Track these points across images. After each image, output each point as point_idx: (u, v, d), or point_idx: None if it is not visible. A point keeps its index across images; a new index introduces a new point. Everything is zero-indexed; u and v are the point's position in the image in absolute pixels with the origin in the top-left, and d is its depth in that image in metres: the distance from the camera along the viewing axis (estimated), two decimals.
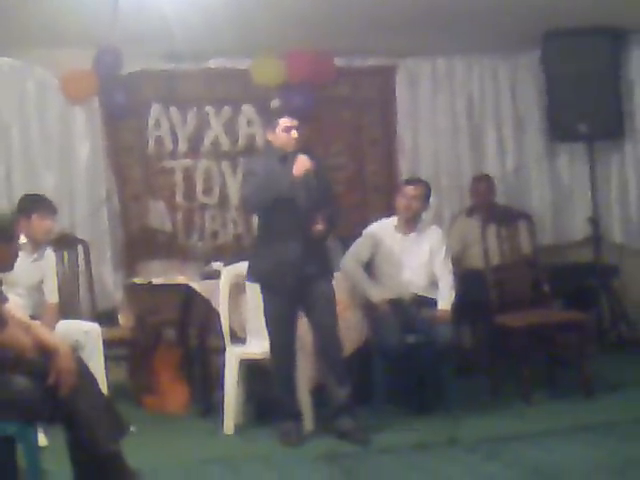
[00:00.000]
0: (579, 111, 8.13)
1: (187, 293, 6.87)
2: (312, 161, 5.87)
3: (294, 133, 5.86)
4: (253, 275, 6.04)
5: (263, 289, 5.97)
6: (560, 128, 8.36)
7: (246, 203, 6.36)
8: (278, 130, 5.90)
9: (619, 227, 8.53)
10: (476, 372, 7.10)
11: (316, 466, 5.43)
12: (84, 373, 4.38)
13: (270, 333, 5.95)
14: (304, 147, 5.92)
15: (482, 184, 8.09)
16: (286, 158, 5.84)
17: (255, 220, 6.77)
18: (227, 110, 8.24)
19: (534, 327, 6.63)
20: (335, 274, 6.20)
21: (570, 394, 6.64)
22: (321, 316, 5.92)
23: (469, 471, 5.19)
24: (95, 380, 4.46)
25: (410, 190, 6.61)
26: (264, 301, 5.95)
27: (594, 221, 8.35)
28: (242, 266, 6.17)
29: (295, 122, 5.90)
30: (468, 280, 7.01)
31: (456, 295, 6.54)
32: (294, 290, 5.83)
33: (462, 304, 6.59)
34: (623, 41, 8.25)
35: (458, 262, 7.33)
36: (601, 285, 8.18)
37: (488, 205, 7.91)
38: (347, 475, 5.24)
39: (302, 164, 5.78)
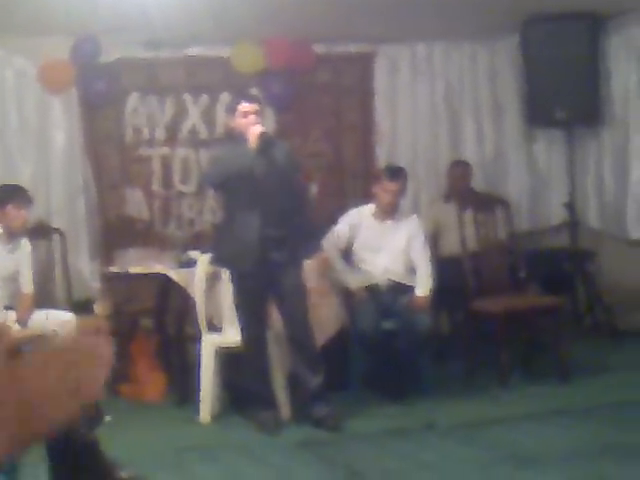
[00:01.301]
0: (557, 97, 8.13)
1: (164, 281, 6.87)
2: (281, 144, 5.87)
3: (252, 117, 5.84)
4: (216, 259, 6.06)
5: (231, 273, 5.97)
6: (538, 114, 8.36)
7: (203, 179, 6.34)
8: (237, 115, 5.89)
9: (595, 213, 8.53)
10: (453, 357, 7.12)
11: (293, 453, 5.45)
12: None
13: (240, 319, 5.95)
14: (269, 135, 5.89)
15: (459, 169, 8.09)
16: (244, 143, 5.80)
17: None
18: (205, 98, 8.21)
19: (510, 312, 6.65)
20: (311, 260, 6.20)
21: (546, 378, 6.68)
22: (291, 304, 5.92)
23: (446, 456, 5.22)
24: None
25: (392, 186, 6.61)
26: (233, 287, 5.95)
27: (571, 207, 8.36)
28: None
29: (254, 107, 5.88)
30: (445, 266, 7.02)
31: (433, 282, 6.55)
32: (260, 275, 5.81)
33: (439, 290, 6.61)
34: (602, 27, 8.23)
35: (432, 246, 7.35)
36: (577, 270, 8.20)
37: (464, 191, 7.90)
38: (324, 462, 5.26)
39: (254, 132, 5.75)
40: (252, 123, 5.80)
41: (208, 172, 5.96)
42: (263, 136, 5.74)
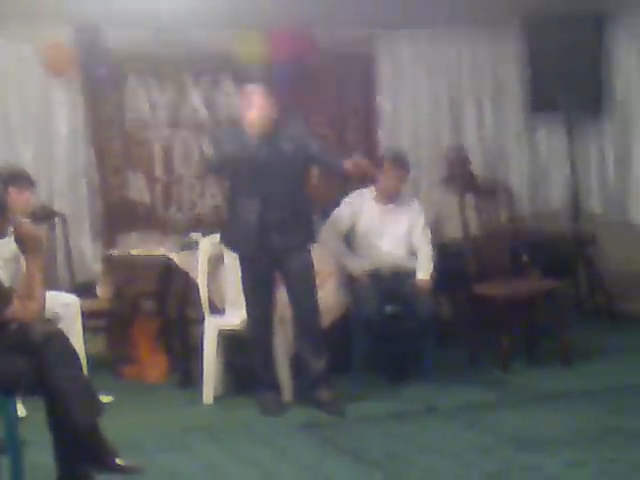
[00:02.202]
0: (559, 83, 8.13)
1: (166, 264, 6.87)
2: (294, 127, 5.88)
3: (254, 99, 5.80)
4: (225, 241, 6.08)
5: (239, 257, 5.98)
6: (540, 100, 8.36)
7: (207, 168, 6.32)
8: (242, 99, 5.88)
9: (596, 197, 8.55)
10: (455, 342, 7.13)
11: (295, 435, 5.46)
12: (65, 346, 4.38)
13: (247, 302, 5.96)
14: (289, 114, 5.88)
15: (455, 154, 8.08)
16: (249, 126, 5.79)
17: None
18: (206, 82, 8.20)
19: (512, 297, 6.66)
20: (314, 244, 6.21)
21: (548, 363, 6.69)
22: (298, 287, 5.92)
23: (448, 439, 5.23)
24: (76, 353, 4.46)
25: (394, 172, 6.60)
26: (241, 269, 5.96)
27: (572, 191, 8.36)
28: None
29: (256, 89, 5.84)
30: (447, 251, 7.03)
31: (434, 265, 6.56)
32: (266, 258, 5.81)
33: (441, 274, 6.61)
34: (605, 14, 8.24)
35: (434, 231, 7.36)
36: (579, 255, 8.21)
37: (464, 175, 7.90)
38: (326, 444, 5.27)
39: (251, 118, 5.73)
40: (253, 105, 5.78)
41: (211, 158, 5.94)
42: (265, 120, 5.73)
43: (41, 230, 4.69)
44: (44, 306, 4.43)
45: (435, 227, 7.46)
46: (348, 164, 5.74)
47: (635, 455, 4.76)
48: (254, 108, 5.77)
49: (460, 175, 7.89)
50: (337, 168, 5.91)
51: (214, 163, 5.98)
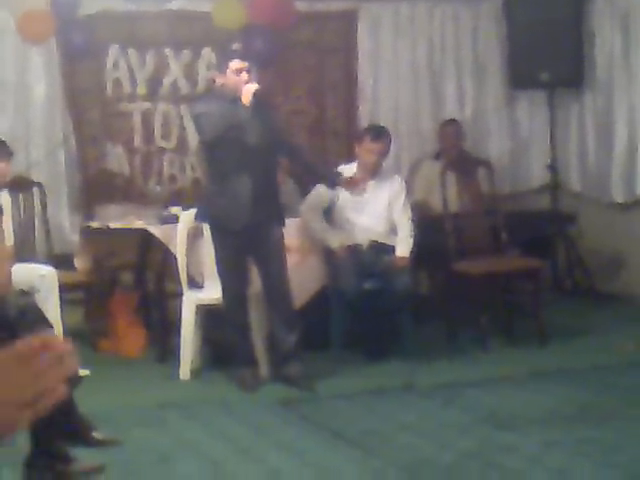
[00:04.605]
0: (540, 59, 8.11)
1: (145, 237, 6.83)
2: (267, 107, 5.86)
3: (244, 75, 5.78)
4: (202, 216, 6.05)
5: (213, 231, 5.96)
6: (520, 76, 8.35)
7: (202, 139, 6.27)
8: (228, 72, 5.83)
9: (577, 175, 8.55)
10: (433, 318, 7.13)
11: (272, 411, 5.48)
12: (39, 318, 4.37)
13: (221, 277, 5.94)
14: (262, 93, 5.83)
15: (450, 128, 8.07)
16: (236, 100, 5.75)
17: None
18: (187, 53, 8.14)
19: (491, 274, 6.68)
20: (293, 220, 6.18)
21: (526, 341, 6.70)
22: (270, 263, 5.91)
23: (425, 416, 5.25)
24: (50, 326, 4.45)
25: (375, 146, 6.58)
26: (214, 244, 5.94)
27: (552, 169, 8.37)
28: None
29: (245, 64, 5.81)
30: (427, 227, 7.02)
31: (415, 242, 6.55)
32: (244, 233, 5.79)
33: (420, 251, 6.60)
34: None
35: (423, 207, 7.36)
36: (558, 233, 8.22)
37: (456, 150, 7.90)
38: (303, 420, 5.29)
39: (248, 90, 5.69)
40: (245, 81, 5.74)
41: (202, 128, 5.87)
42: (257, 93, 5.69)
43: None
44: (9, 280, 4.40)
45: (423, 201, 7.47)
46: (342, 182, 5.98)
47: (611, 434, 4.79)
48: (245, 82, 5.73)
49: (451, 150, 7.88)
50: (329, 182, 6.15)
51: (209, 134, 5.87)
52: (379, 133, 6.69)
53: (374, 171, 6.63)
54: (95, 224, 7.16)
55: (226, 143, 5.73)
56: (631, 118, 8.00)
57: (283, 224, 5.99)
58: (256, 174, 5.76)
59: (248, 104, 5.66)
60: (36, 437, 4.36)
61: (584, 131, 8.47)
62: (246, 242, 5.84)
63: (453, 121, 8.20)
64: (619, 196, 8.10)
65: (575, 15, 8.17)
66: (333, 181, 6.16)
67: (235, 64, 5.81)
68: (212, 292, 6.16)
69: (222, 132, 5.69)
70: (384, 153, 6.67)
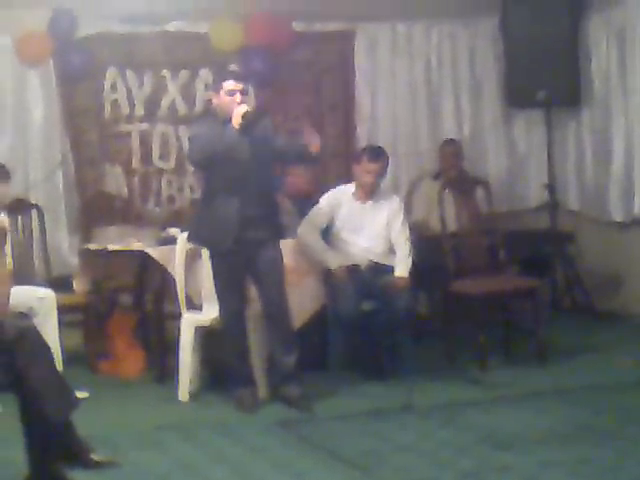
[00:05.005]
0: (537, 77, 8.14)
1: (143, 259, 6.84)
2: (264, 125, 5.86)
3: (237, 97, 5.78)
4: (194, 237, 6.05)
5: (210, 253, 5.96)
6: (518, 94, 8.38)
7: (191, 161, 6.29)
8: (222, 93, 5.84)
9: (575, 194, 8.56)
10: (432, 338, 7.12)
11: (271, 432, 5.45)
12: (37, 342, 4.36)
13: (218, 297, 5.94)
14: (252, 114, 5.83)
15: (450, 148, 8.09)
16: (228, 122, 5.74)
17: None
18: (185, 74, 8.17)
19: (490, 294, 6.66)
20: (292, 240, 6.17)
21: (525, 361, 6.69)
22: (268, 283, 5.90)
23: (423, 437, 5.22)
24: (49, 349, 4.44)
25: (372, 166, 6.59)
26: (212, 265, 5.94)
27: (550, 188, 8.37)
28: None
29: (240, 86, 5.81)
30: (425, 246, 7.02)
31: (413, 262, 6.55)
32: (238, 253, 5.79)
33: (419, 270, 6.60)
34: (582, 7, 8.26)
35: (423, 227, 7.37)
36: (556, 252, 8.22)
37: (455, 170, 7.91)
38: (302, 441, 5.27)
39: (237, 112, 5.68)
40: (237, 102, 5.75)
41: (191, 149, 5.88)
42: (247, 116, 5.69)
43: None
44: (7, 304, 4.41)
45: (424, 221, 7.47)
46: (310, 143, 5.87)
47: (610, 454, 4.77)
48: (237, 103, 5.74)
49: (451, 169, 7.89)
50: (303, 152, 6.01)
51: (197, 155, 5.88)
52: (376, 153, 6.70)
53: (372, 191, 6.64)
54: (93, 246, 7.17)
55: (215, 165, 5.74)
56: (629, 136, 8.02)
57: (279, 242, 5.97)
58: (246, 195, 5.75)
59: (238, 126, 5.67)
60: (34, 458, 4.36)
61: (582, 149, 8.49)
62: (241, 262, 5.83)
63: (452, 141, 8.23)
64: (617, 215, 8.12)
65: (571, 33, 8.20)
66: (302, 155, 6.07)
67: (228, 85, 5.82)
68: (210, 313, 6.15)
69: (209, 154, 5.70)
70: (382, 173, 6.69)
